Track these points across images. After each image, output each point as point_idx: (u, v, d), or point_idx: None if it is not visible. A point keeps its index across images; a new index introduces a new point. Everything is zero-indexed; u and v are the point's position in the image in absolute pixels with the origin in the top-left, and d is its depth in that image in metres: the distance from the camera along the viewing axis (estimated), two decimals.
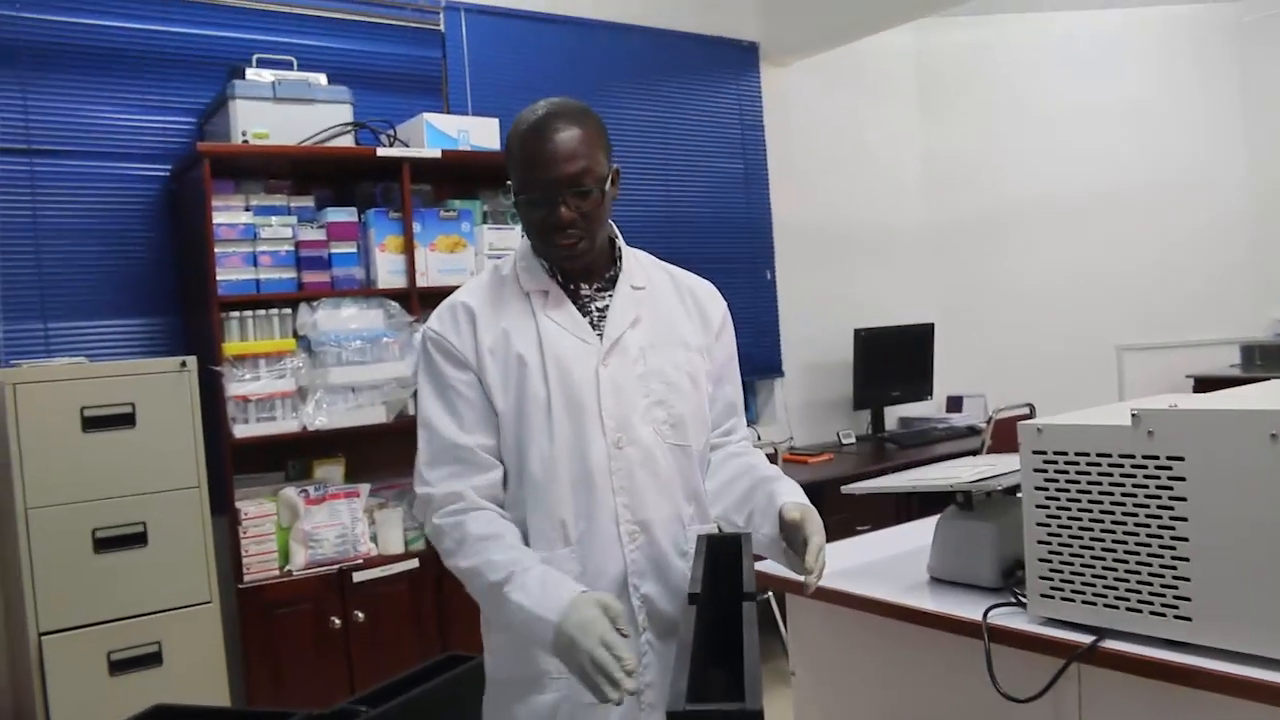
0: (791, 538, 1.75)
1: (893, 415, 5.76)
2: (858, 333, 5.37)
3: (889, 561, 2.15)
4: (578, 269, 1.85)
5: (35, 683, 2.92)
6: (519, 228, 1.93)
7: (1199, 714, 1.50)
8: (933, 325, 5.76)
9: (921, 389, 5.71)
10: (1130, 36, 6.22)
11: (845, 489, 2.10)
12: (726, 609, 1.47)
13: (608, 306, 1.86)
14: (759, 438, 4.56)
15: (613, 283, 1.89)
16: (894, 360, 5.57)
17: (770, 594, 4.38)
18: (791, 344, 5.43)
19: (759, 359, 5.25)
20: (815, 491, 4.43)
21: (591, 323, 1.84)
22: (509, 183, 1.81)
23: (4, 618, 3.30)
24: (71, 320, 3.60)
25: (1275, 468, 1.39)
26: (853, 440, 5.40)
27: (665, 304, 1.93)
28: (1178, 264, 6.08)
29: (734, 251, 5.23)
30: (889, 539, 2.38)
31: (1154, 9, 6.19)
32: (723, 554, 1.67)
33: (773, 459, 3.95)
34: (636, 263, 1.94)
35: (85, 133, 3.65)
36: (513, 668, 1.83)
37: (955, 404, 5.83)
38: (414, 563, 3.71)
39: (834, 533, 2.46)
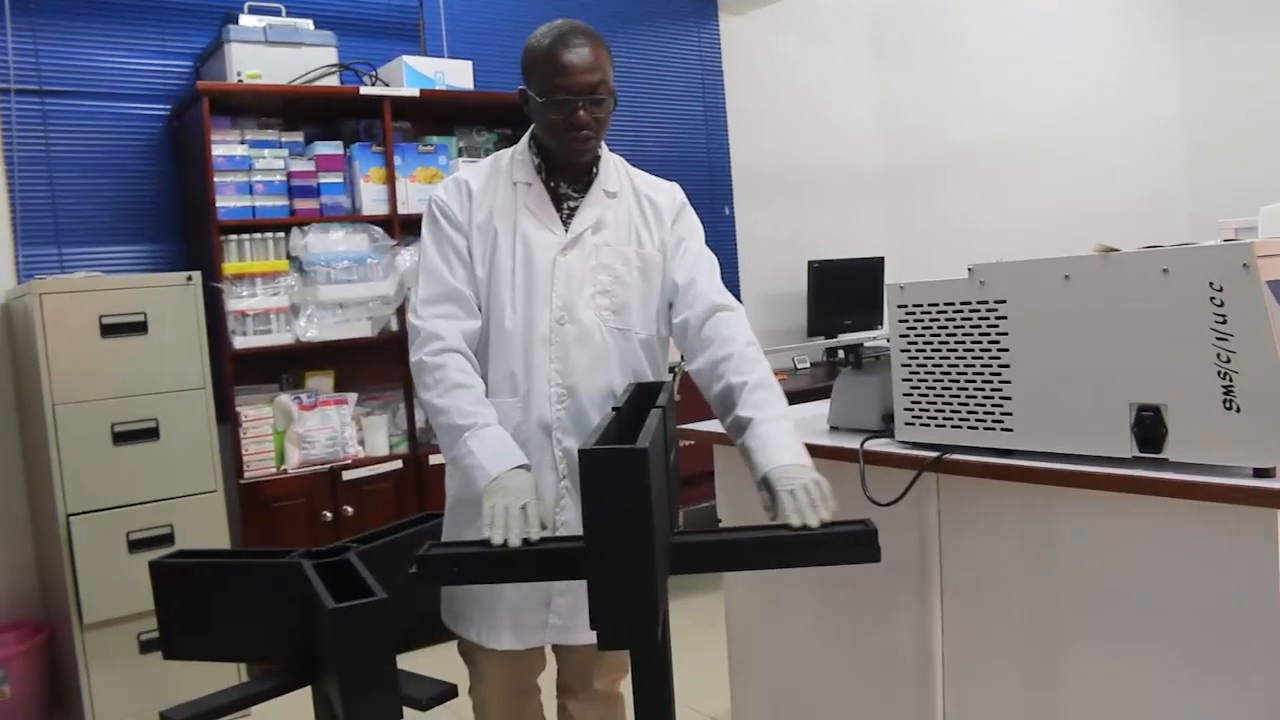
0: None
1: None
2: (811, 265, 5.73)
3: (801, 421, 2.52)
4: (581, 165, 2.17)
5: (65, 557, 3.30)
6: (488, 159, 2.26)
7: (1029, 504, 1.89)
8: (883, 259, 6.12)
9: (872, 319, 6.07)
10: None
11: None
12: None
13: (578, 206, 2.20)
14: None
15: (588, 186, 2.22)
16: (846, 291, 5.92)
17: None
18: (749, 276, 5.81)
19: None
20: None
21: (562, 218, 2.19)
22: (522, 88, 2.12)
23: (35, 499, 3.68)
24: (83, 246, 3.96)
25: (1068, 302, 1.78)
26: (807, 365, 5.80)
27: (626, 210, 2.25)
28: (1117, 208, 6.46)
29: (694, 188, 5.44)
30: (805, 409, 2.78)
31: None
32: (648, 396, 2.05)
33: None
34: (614, 169, 2.26)
35: (92, 74, 4.00)
36: (464, 489, 2.15)
37: None
38: (397, 464, 4.10)
39: None
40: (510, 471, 1.90)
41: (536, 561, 1.71)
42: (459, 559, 1.71)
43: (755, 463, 1.91)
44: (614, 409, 1.82)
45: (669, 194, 2.31)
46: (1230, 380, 1.57)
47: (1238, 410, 1.56)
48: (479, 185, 2.18)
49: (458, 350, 2.09)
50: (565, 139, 2.09)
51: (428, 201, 2.20)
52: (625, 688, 2.09)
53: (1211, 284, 1.58)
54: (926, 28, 6.52)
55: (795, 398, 4.84)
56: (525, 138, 2.23)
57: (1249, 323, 1.54)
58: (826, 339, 5.94)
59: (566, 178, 2.21)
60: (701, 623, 3.55)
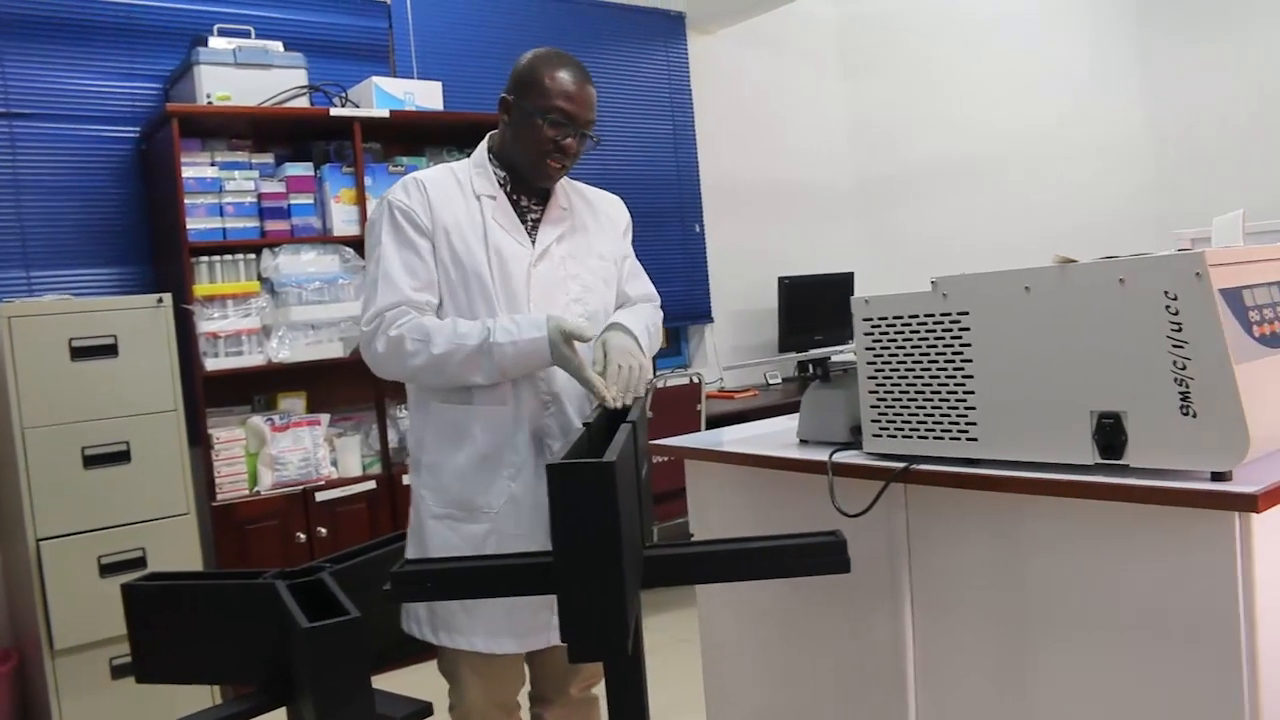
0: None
1: None
2: (782, 281, 5.77)
3: (771, 435, 2.56)
4: (547, 182, 2.25)
5: (35, 582, 3.28)
6: (439, 167, 2.29)
7: (995, 512, 1.92)
8: (853, 274, 6.17)
9: (843, 334, 6.10)
10: (1038, 2, 6.67)
11: (725, 367, 2.50)
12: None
13: (539, 217, 2.26)
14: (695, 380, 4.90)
15: (544, 198, 2.28)
16: (817, 307, 5.95)
17: None
18: (720, 292, 5.84)
19: (689, 306, 5.66)
20: (739, 419, 4.78)
21: (527, 229, 2.24)
22: (506, 96, 2.17)
23: (4, 524, 3.65)
24: (52, 269, 3.94)
25: (1029, 312, 1.81)
26: (779, 381, 5.82)
27: (583, 223, 2.34)
28: (1084, 221, 6.52)
29: (664, 206, 5.64)
30: (775, 423, 2.80)
31: None
32: (620, 412, 2.07)
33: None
34: (562, 187, 2.33)
35: (60, 98, 3.99)
36: (449, 502, 2.20)
37: None
38: (371, 484, 4.10)
39: None
40: (550, 333, 2.05)
41: (508, 576, 1.73)
42: (433, 575, 1.72)
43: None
44: (584, 424, 1.83)
45: (619, 207, 2.46)
46: (1186, 387, 1.60)
47: (1194, 416, 1.59)
48: (437, 192, 2.19)
49: (423, 312, 2.13)
50: (545, 159, 2.16)
51: (382, 204, 2.20)
52: (601, 690, 2.11)
53: (1166, 293, 1.61)
54: (894, 45, 6.60)
55: (767, 412, 4.87)
56: (482, 151, 2.28)
57: (1202, 330, 1.57)
58: (798, 354, 5.97)
59: (526, 191, 2.27)
60: (676, 639, 3.56)
